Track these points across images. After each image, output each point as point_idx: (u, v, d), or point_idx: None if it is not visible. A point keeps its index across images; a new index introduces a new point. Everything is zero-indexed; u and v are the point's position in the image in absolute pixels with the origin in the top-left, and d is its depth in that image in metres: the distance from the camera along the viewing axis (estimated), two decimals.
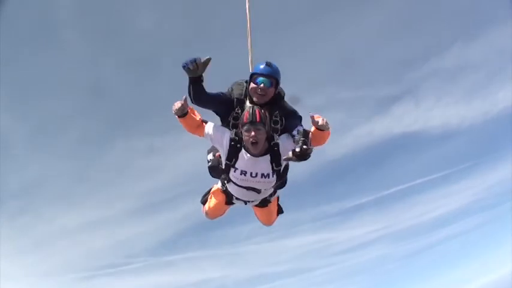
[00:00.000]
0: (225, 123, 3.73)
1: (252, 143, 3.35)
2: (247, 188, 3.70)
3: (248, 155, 3.47)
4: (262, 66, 3.59)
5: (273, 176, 3.59)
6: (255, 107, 3.42)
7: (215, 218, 4.36)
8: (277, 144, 3.51)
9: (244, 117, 3.35)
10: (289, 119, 3.62)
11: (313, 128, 3.38)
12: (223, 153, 3.63)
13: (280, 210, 4.42)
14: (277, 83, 3.61)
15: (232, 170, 3.60)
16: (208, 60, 3.32)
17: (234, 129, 3.56)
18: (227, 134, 3.54)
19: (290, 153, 3.14)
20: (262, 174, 3.54)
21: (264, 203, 4.10)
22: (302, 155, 3.08)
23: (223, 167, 3.67)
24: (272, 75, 3.57)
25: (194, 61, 3.27)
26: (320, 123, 3.32)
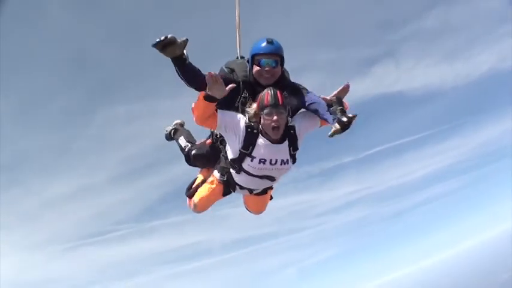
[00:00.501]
0: (230, 109, 3.42)
1: (274, 128, 3.18)
2: (262, 177, 3.48)
3: (267, 141, 3.29)
4: (263, 45, 3.30)
5: (290, 161, 3.46)
6: (275, 88, 3.21)
7: (204, 210, 3.95)
8: (293, 127, 3.36)
9: (265, 100, 3.16)
10: (299, 96, 3.43)
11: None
12: (237, 141, 3.31)
13: (270, 197, 4.16)
14: (282, 60, 3.37)
15: (248, 159, 3.33)
16: (185, 42, 2.98)
17: (246, 114, 3.29)
18: (242, 120, 3.31)
19: (336, 126, 3.03)
20: (282, 161, 3.40)
21: (264, 190, 3.84)
22: (349, 124, 2.99)
23: (237, 156, 3.36)
24: (276, 52, 3.31)
25: (165, 38, 2.90)
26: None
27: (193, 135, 4.34)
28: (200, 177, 4.02)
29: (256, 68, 3.33)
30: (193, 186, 3.98)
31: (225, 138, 3.46)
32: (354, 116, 3.01)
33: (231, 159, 3.44)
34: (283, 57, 3.37)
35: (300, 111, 3.54)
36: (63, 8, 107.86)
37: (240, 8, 4.00)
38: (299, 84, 3.55)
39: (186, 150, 4.05)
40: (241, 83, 3.38)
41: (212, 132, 3.80)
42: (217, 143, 3.73)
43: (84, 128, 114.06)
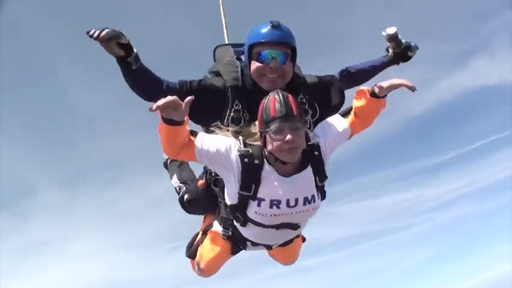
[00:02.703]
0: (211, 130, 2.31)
1: (289, 151, 2.01)
2: (279, 226, 2.28)
3: (277, 172, 2.12)
4: (265, 30, 2.25)
5: (318, 198, 2.22)
6: (284, 92, 2.05)
7: (213, 274, 2.92)
8: (316, 146, 2.17)
9: (271, 109, 2.00)
10: (327, 95, 2.50)
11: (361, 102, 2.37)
12: (232, 179, 2.16)
13: (303, 238, 2.98)
14: (294, 53, 2.34)
15: (253, 204, 2.16)
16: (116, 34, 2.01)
17: (240, 137, 2.15)
18: (234, 147, 2.13)
19: (390, 51, 2.70)
20: (306, 199, 2.17)
21: (290, 240, 2.68)
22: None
23: (236, 203, 2.21)
24: (285, 41, 2.27)
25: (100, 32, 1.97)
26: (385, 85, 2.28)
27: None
28: (208, 230, 2.84)
29: (255, 65, 2.28)
30: (195, 243, 2.87)
31: (220, 176, 2.32)
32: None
33: (229, 207, 2.28)
34: (295, 48, 2.32)
35: (321, 122, 2.38)
36: None
37: None
38: (327, 78, 2.55)
39: (180, 194, 2.93)
40: (229, 89, 2.32)
41: (205, 169, 2.68)
42: (211, 185, 2.58)
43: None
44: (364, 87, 2.39)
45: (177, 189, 3.04)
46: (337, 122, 2.35)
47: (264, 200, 2.12)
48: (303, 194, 2.16)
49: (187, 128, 2.10)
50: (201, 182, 2.67)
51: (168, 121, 1.96)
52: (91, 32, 2.00)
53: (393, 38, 2.66)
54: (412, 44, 2.70)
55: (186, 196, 2.82)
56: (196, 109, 2.05)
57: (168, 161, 3.28)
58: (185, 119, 2.00)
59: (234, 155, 2.09)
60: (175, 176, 3.11)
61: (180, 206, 2.92)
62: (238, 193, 2.14)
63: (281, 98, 2.00)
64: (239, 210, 2.22)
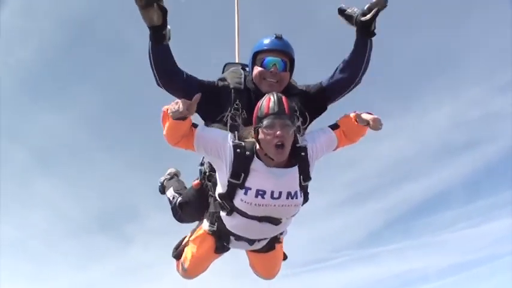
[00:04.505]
0: (213, 124, 2.60)
1: (278, 146, 2.22)
2: (261, 219, 2.45)
3: (265, 165, 2.32)
4: (269, 40, 2.58)
5: (300, 196, 2.41)
6: (279, 94, 2.31)
7: (197, 275, 3.05)
8: (304, 149, 2.38)
9: (265, 107, 2.25)
10: (315, 103, 2.71)
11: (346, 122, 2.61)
12: (224, 168, 2.37)
13: (284, 255, 3.17)
14: (292, 64, 2.64)
15: (240, 192, 2.35)
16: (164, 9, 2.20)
17: (235, 131, 2.44)
18: (229, 138, 2.37)
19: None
20: (289, 193, 2.35)
21: (271, 244, 2.87)
22: None
23: (225, 190, 2.40)
24: (286, 50, 2.58)
25: None
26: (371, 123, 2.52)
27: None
28: (195, 232, 3.00)
29: (257, 70, 2.58)
30: (182, 244, 3.01)
31: (213, 166, 2.53)
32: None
33: (219, 195, 2.46)
34: (293, 59, 2.63)
35: (312, 130, 2.65)
36: None
37: None
38: (312, 85, 2.77)
39: (173, 202, 3.12)
40: (232, 90, 2.61)
41: (201, 171, 2.88)
42: (205, 182, 2.78)
43: None
44: (350, 113, 2.62)
45: (171, 198, 3.25)
46: (326, 132, 2.57)
47: (250, 189, 2.30)
48: (287, 188, 2.34)
49: (191, 120, 2.34)
50: (195, 182, 2.86)
51: (175, 118, 2.22)
52: None
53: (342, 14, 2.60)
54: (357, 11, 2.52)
55: (179, 200, 3.01)
56: (204, 105, 2.35)
57: (164, 181, 3.62)
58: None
59: (229, 145, 2.31)
60: (171, 189, 3.37)
61: (173, 216, 3.09)
62: (228, 181, 2.32)
63: (275, 97, 2.25)
64: (227, 198, 2.39)
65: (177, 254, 3.02)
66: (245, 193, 2.31)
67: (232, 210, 2.43)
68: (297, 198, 2.38)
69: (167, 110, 2.26)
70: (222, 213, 2.53)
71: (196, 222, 3.02)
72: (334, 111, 2.80)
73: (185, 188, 3.33)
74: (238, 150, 2.29)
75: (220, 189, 2.43)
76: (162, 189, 3.61)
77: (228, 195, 2.37)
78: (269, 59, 2.54)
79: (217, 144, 2.33)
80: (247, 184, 2.30)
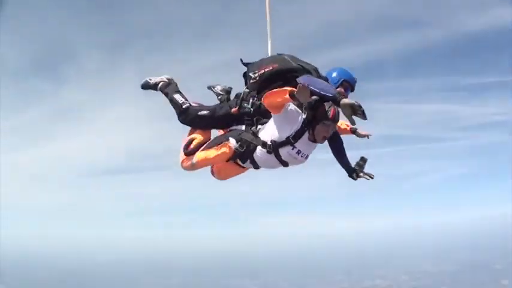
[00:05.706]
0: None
1: (324, 137, 3.73)
2: (283, 162, 3.87)
3: (308, 138, 3.75)
4: (355, 79, 4.29)
5: (308, 157, 3.97)
6: (337, 108, 3.55)
7: (196, 170, 4.09)
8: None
9: (331, 114, 3.61)
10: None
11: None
12: (288, 129, 3.71)
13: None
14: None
15: (289, 147, 3.75)
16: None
17: (307, 112, 3.67)
18: (301, 116, 3.71)
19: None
20: (307, 156, 3.90)
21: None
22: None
23: (280, 141, 3.72)
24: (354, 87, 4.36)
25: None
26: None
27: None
28: (199, 137, 4.19)
29: (340, 88, 4.15)
30: (192, 145, 4.12)
31: (274, 122, 3.77)
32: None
33: (271, 141, 3.75)
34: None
35: None
36: None
37: None
38: None
39: (184, 107, 4.21)
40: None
41: (239, 103, 4.04)
42: (242, 112, 4.02)
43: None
44: (348, 125, 4.51)
45: (182, 103, 4.21)
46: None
47: (296, 148, 3.75)
48: (308, 152, 3.87)
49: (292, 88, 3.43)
50: (234, 109, 4.03)
51: (294, 98, 3.46)
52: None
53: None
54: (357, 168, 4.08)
55: (202, 112, 4.12)
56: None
57: (160, 84, 4.44)
58: None
59: (300, 119, 3.70)
60: (178, 95, 4.30)
61: (178, 117, 4.20)
62: (287, 138, 3.70)
63: (338, 111, 3.63)
64: (277, 145, 3.74)
65: (190, 152, 4.07)
66: (292, 149, 3.76)
67: (274, 152, 3.78)
68: (307, 158, 3.90)
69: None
70: (262, 149, 3.82)
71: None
72: None
73: (186, 96, 4.31)
74: (303, 124, 3.70)
75: (275, 137, 3.73)
76: (152, 87, 4.46)
77: (280, 145, 3.74)
78: (349, 90, 4.26)
79: (296, 115, 3.69)
80: (296, 144, 3.73)
